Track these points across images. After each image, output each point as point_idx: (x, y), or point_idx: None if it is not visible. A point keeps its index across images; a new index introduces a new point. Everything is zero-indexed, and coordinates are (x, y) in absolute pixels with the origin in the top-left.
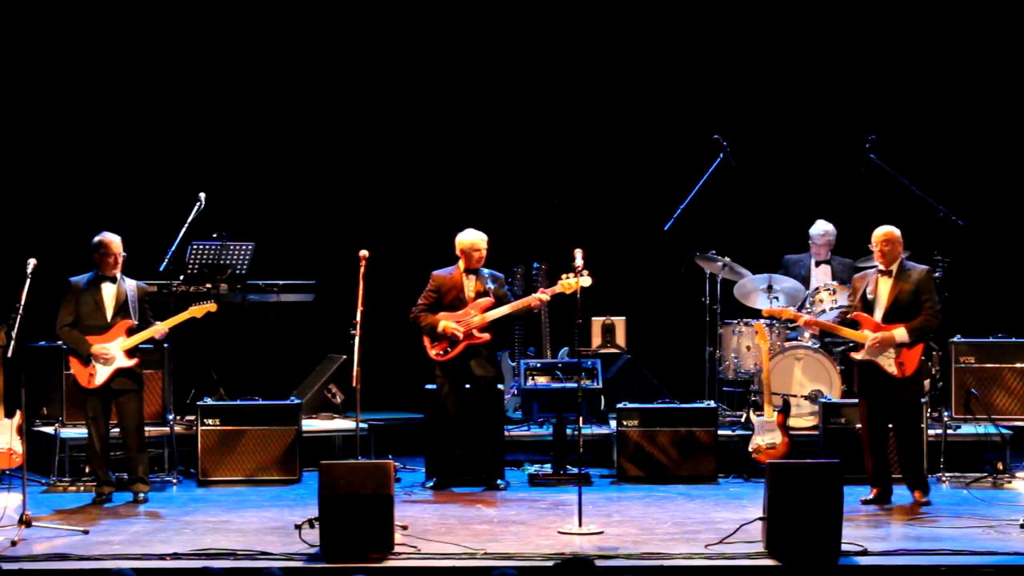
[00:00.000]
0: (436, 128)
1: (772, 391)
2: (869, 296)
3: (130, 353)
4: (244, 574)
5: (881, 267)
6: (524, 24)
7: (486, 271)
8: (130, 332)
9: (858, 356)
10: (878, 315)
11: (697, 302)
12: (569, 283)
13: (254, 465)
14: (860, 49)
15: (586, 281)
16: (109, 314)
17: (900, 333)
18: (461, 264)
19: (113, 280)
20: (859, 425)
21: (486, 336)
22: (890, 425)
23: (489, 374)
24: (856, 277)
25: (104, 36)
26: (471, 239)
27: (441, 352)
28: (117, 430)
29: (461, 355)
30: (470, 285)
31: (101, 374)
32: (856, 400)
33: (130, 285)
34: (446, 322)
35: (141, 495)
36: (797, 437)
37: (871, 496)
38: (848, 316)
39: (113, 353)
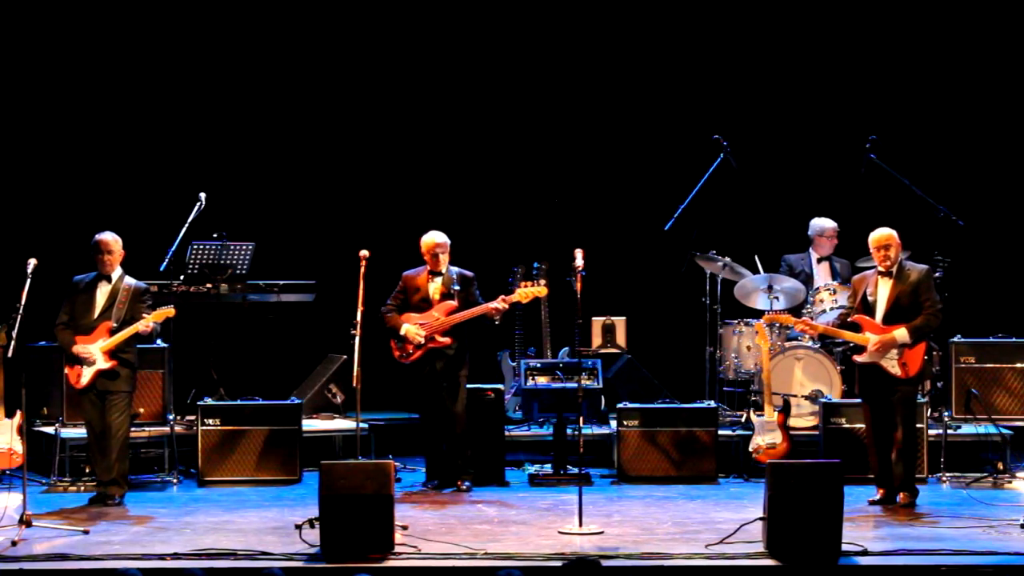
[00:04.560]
0: (437, 128)
1: (772, 391)
2: (869, 298)
3: (110, 355)
4: (244, 574)
5: (880, 268)
6: (524, 24)
7: (455, 271)
8: (111, 333)
9: (860, 359)
10: (878, 317)
11: (697, 302)
12: (526, 292)
13: (254, 465)
14: (860, 49)
15: (542, 291)
16: (96, 314)
17: (901, 334)
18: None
19: (109, 280)
20: (862, 426)
21: (447, 340)
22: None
23: (455, 373)
24: (855, 279)
25: (105, 37)
26: (427, 240)
27: (404, 355)
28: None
29: (425, 357)
30: (435, 287)
31: (85, 375)
32: (857, 400)
33: (126, 284)
34: (407, 326)
35: (116, 499)
36: (797, 437)
37: (878, 496)
38: (849, 319)
39: (92, 354)
